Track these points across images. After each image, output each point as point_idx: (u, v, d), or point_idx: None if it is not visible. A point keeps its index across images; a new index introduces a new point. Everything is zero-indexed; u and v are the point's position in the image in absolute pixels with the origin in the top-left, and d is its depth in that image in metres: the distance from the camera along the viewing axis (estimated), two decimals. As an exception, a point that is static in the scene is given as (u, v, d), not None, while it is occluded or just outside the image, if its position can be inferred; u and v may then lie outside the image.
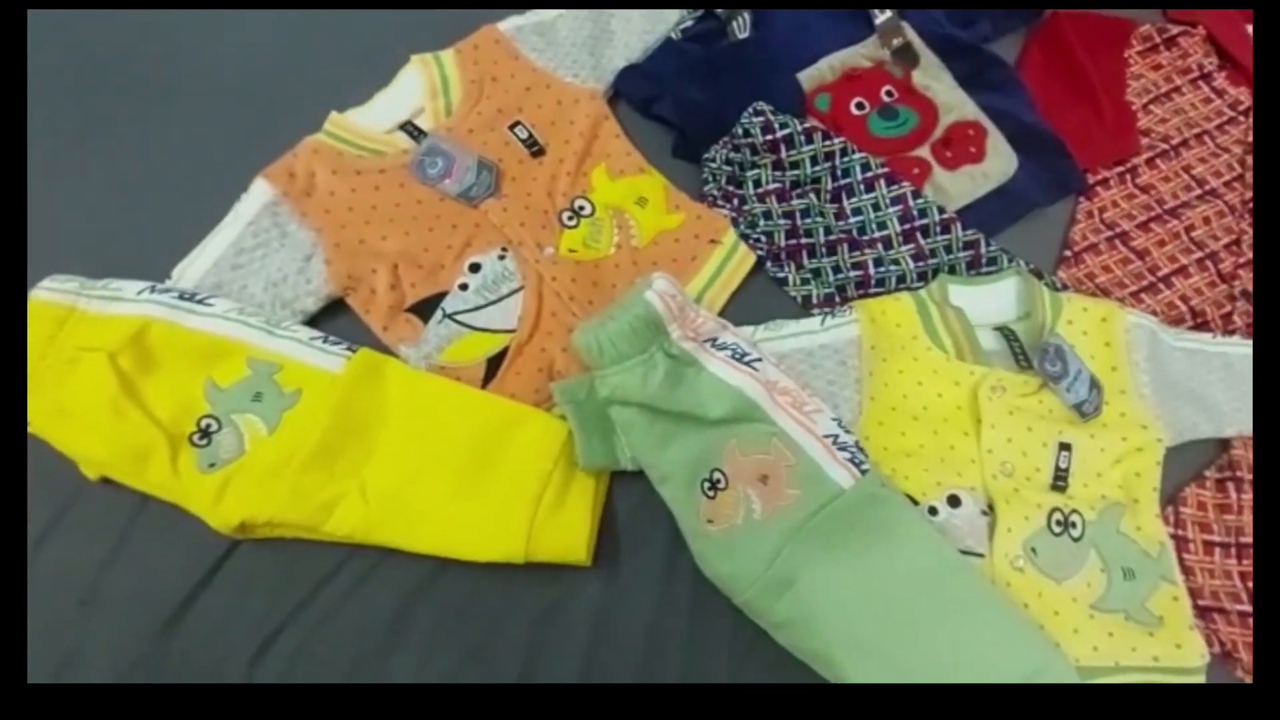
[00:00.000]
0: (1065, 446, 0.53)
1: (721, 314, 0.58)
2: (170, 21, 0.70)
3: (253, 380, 0.49)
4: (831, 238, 0.59)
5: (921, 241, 0.59)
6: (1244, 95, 0.67)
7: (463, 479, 0.48)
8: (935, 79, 0.65)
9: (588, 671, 0.48)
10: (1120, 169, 0.64)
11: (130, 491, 0.50)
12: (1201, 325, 0.60)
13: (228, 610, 0.49)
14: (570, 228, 0.58)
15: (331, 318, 0.56)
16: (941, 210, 0.59)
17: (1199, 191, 0.64)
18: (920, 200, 0.59)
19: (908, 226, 0.59)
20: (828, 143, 0.59)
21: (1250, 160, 0.64)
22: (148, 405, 0.48)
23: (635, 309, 0.48)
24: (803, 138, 0.58)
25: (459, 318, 0.55)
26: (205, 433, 0.49)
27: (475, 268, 0.56)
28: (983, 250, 0.58)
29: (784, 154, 0.59)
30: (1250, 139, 0.65)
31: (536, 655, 0.48)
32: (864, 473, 0.49)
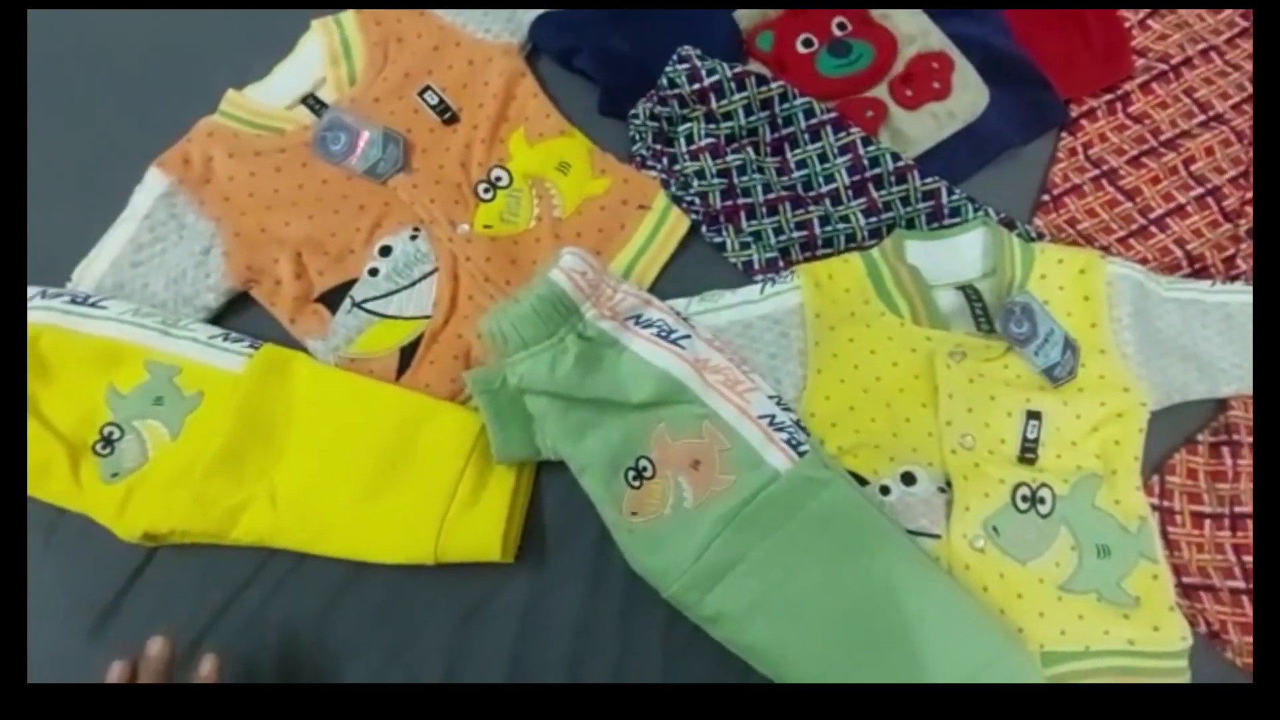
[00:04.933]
0: (1034, 415, 0.50)
1: (655, 285, 0.56)
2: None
3: (152, 384, 0.49)
4: (772, 196, 0.55)
5: (874, 194, 0.55)
6: (1261, -1, 0.61)
7: (371, 480, 0.47)
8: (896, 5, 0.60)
9: (514, 673, 0.48)
10: (1110, 97, 0.59)
11: (46, 505, 0.50)
12: (1200, 271, 0.55)
13: (151, 617, 0.50)
14: (486, 201, 0.56)
15: (241, 311, 0.55)
16: (896, 158, 0.55)
17: (1202, 118, 0.58)
18: (872, 148, 0.55)
19: (858, 178, 0.55)
20: (763, 89, 0.55)
21: (1264, 76, 0.58)
22: (46, 416, 0.48)
23: (539, 290, 0.46)
24: (733, 85, 0.54)
25: (368, 306, 0.53)
26: (108, 441, 0.49)
27: (386, 251, 0.55)
28: (944, 200, 0.54)
29: (715, 104, 0.55)
30: (1266, 51, 0.59)
31: (460, 657, 0.48)
32: (802, 455, 0.47)
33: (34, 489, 0.48)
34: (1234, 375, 0.52)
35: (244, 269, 0.53)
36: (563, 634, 0.49)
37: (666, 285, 0.56)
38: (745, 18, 0.60)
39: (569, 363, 0.46)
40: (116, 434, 0.49)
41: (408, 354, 0.53)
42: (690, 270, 0.56)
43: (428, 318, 0.53)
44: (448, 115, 0.58)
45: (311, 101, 0.58)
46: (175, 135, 0.57)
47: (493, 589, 0.50)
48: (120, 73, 0.64)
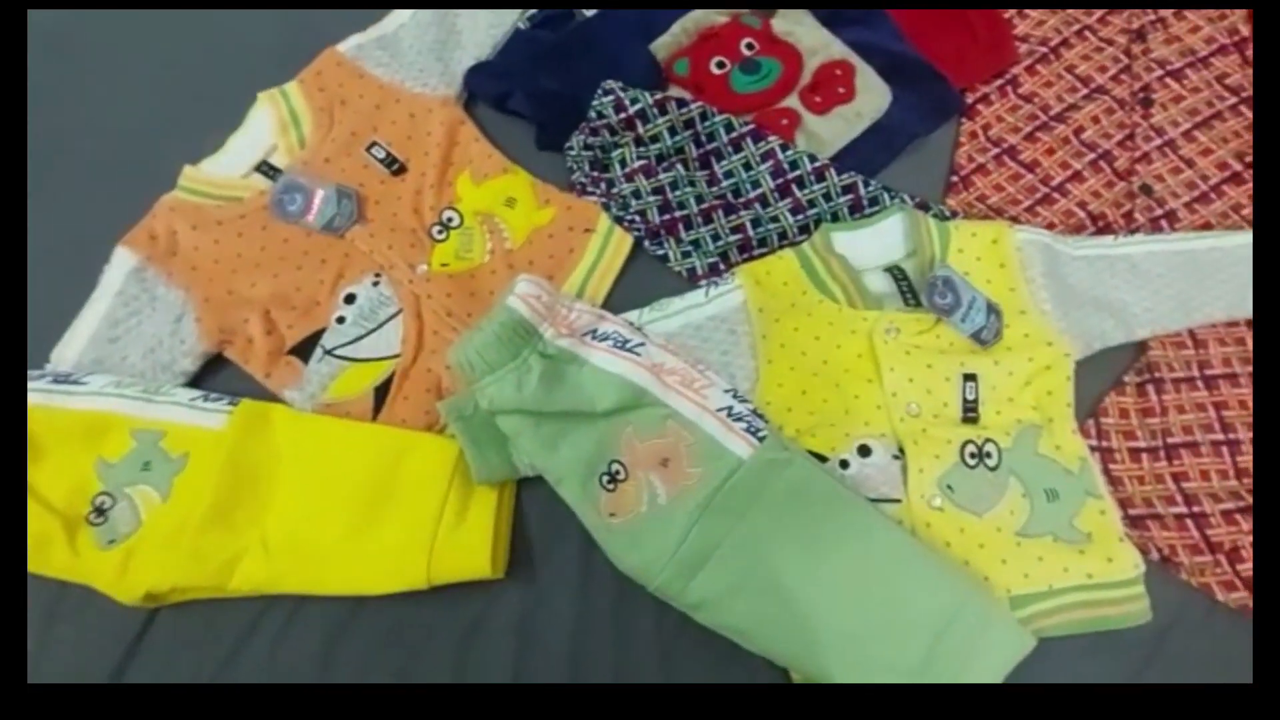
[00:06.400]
0: (970, 377, 0.55)
1: (608, 300, 0.60)
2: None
3: (140, 451, 0.52)
4: (705, 205, 0.60)
5: (798, 194, 0.60)
6: (1123, -20, 0.68)
7: (359, 516, 0.50)
8: (797, 23, 0.66)
9: (518, 680, 0.50)
10: (1000, 82, 0.65)
11: (49, 580, 0.52)
12: (1104, 229, 0.61)
13: (158, 676, 0.52)
14: (440, 241, 0.60)
15: (217, 372, 0.58)
16: (813, 159, 0.60)
17: (1085, 91, 0.64)
18: (790, 152, 0.60)
19: (781, 181, 0.60)
20: (683, 110, 0.60)
21: (1134, 48, 0.65)
22: (40, 493, 0.50)
23: (499, 317, 0.50)
24: (655, 110, 0.60)
25: (339, 352, 0.57)
26: (100, 510, 0.51)
27: (350, 298, 0.58)
28: (862, 192, 0.59)
29: (641, 129, 0.60)
30: (1133, 25, 0.66)
31: (463, 673, 0.51)
32: (761, 440, 0.51)
33: (35, 565, 0.50)
34: (1146, 319, 0.56)
35: (216, 332, 0.57)
36: (559, 638, 0.51)
37: (618, 299, 0.60)
38: (662, 48, 0.65)
39: (534, 381, 0.50)
40: (108, 503, 0.51)
41: (381, 393, 0.56)
42: (639, 283, 0.60)
43: (397, 356, 0.57)
44: (396, 166, 0.62)
45: (265, 168, 0.62)
46: (136, 215, 0.60)
47: (488, 605, 0.52)
48: (78, 158, 0.67)
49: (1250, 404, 0.55)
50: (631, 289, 0.60)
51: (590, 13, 0.66)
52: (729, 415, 0.51)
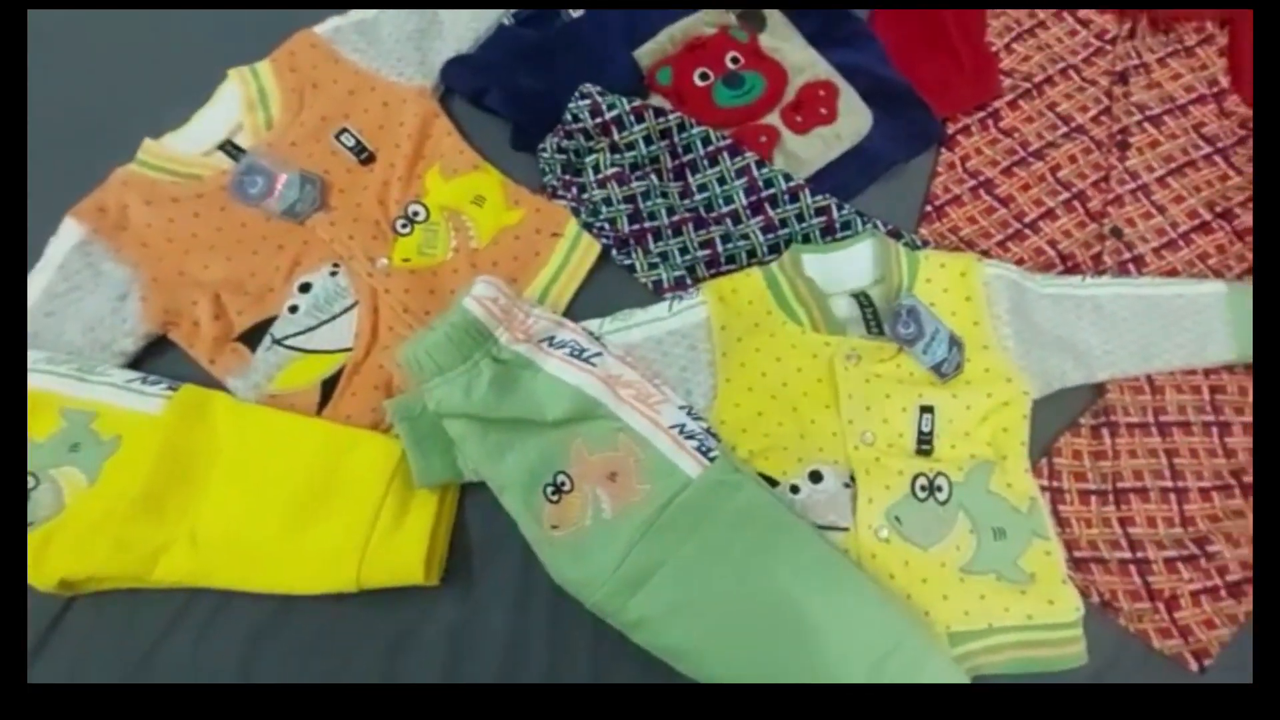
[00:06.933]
0: (927, 409, 0.54)
1: (570, 308, 0.59)
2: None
3: (69, 431, 0.50)
4: (676, 218, 0.59)
5: (770, 212, 0.59)
6: (1109, 23, 0.67)
7: (295, 513, 0.49)
8: (784, 40, 0.65)
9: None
10: (981, 114, 0.65)
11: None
12: (1072, 269, 0.61)
13: (71, 668, 0.50)
14: (404, 235, 0.59)
15: (161, 353, 0.56)
16: (789, 178, 0.59)
17: (1064, 129, 0.64)
18: (766, 170, 0.59)
19: (755, 198, 0.59)
20: (661, 120, 0.59)
21: (1116, 91, 0.65)
22: (-43, 470, 0.48)
23: (452, 318, 0.49)
24: (632, 117, 0.59)
25: (288, 342, 0.55)
26: (23, 491, 0.49)
27: (305, 287, 0.57)
28: (835, 215, 0.59)
29: (617, 136, 0.59)
30: (1116, 68, 0.66)
31: (393, 682, 0.50)
32: (712, 460, 0.50)
33: (-54, 545, 0.48)
34: (1107, 361, 0.56)
35: (161, 313, 0.55)
36: (493, 651, 0.50)
37: (581, 307, 0.59)
38: (646, 55, 0.64)
39: (484, 385, 0.49)
40: (31, 483, 0.49)
41: (329, 387, 0.54)
42: (603, 292, 0.59)
43: (348, 350, 0.55)
44: (365, 156, 0.60)
45: (229, 148, 0.60)
46: (91, 187, 0.58)
47: (422, 613, 0.51)
48: (40, 129, 0.65)
49: (1200, 453, 0.55)
50: (595, 297, 0.59)
51: (577, 13, 0.64)
52: (681, 433, 0.51)
